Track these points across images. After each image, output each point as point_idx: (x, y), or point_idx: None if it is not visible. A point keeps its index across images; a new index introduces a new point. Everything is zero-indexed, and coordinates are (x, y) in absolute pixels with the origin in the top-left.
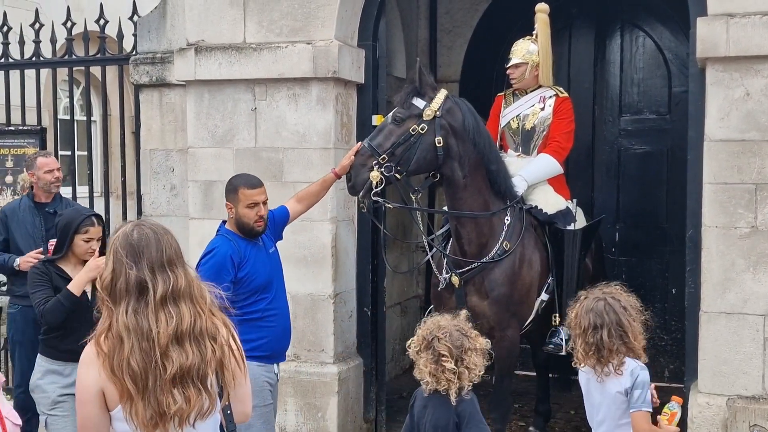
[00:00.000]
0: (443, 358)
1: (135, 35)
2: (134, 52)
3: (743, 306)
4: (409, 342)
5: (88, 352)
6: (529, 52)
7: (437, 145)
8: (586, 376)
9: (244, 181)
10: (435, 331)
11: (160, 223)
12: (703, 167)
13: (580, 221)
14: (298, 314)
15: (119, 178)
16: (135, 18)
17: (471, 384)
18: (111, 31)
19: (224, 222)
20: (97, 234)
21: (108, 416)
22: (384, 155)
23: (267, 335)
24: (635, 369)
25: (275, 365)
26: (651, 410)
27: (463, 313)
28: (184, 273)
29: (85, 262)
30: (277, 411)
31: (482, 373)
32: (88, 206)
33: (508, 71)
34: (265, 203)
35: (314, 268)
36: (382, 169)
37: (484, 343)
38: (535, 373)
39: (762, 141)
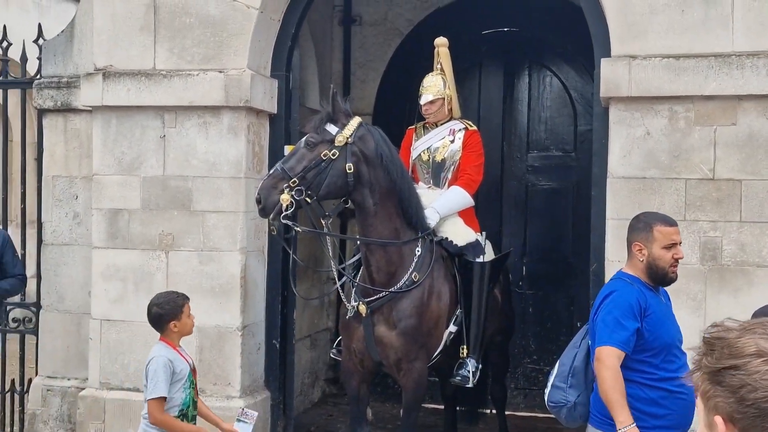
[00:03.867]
0: None
1: (40, 59)
2: (38, 76)
3: None
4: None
5: None
6: (442, 87)
7: (348, 171)
8: None
9: (659, 218)
10: None
11: None
12: (606, 203)
13: (489, 254)
14: (204, 347)
15: (19, 206)
16: (40, 41)
17: None
18: (14, 54)
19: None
20: None
21: None
22: (295, 179)
23: (674, 407)
24: None
25: None
26: None
27: None
28: None
29: None
30: None
31: None
32: None
33: (423, 107)
34: (680, 244)
35: (222, 299)
36: (293, 193)
37: None
38: (442, 406)
39: (661, 179)
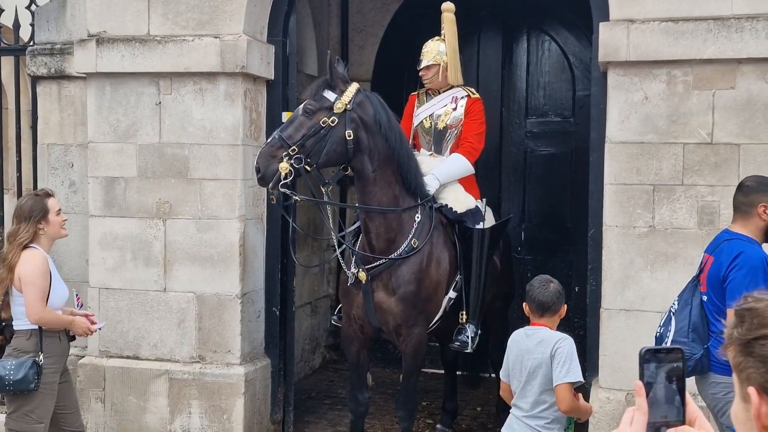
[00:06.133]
0: None
1: (32, 25)
2: (32, 43)
3: (641, 303)
4: None
5: None
6: (440, 53)
7: (347, 138)
8: None
9: None
10: None
11: None
12: (604, 168)
13: (489, 220)
14: (203, 315)
15: (15, 174)
16: (33, 7)
17: None
18: (7, 20)
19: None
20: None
21: None
22: (294, 147)
23: None
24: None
25: None
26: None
27: None
28: None
29: None
30: (180, 414)
31: None
32: None
33: (420, 73)
34: None
35: (221, 267)
36: (292, 161)
37: None
38: (442, 371)
39: (659, 143)
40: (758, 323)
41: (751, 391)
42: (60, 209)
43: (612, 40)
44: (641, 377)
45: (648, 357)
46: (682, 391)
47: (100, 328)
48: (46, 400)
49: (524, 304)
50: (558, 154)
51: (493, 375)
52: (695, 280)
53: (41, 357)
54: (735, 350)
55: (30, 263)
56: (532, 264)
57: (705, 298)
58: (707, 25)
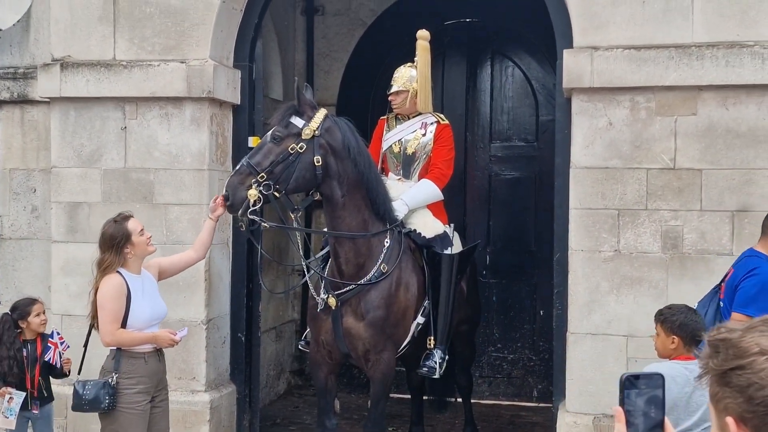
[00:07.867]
0: None
1: None
2: None
3: (607, 327)
4: None
5: None
6: (411, 78)
7: (316, 164)
8: None
9: None
10: None
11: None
12: (569, 193)
13: (457, 246)
14: None
15: None
16: None
17: None
18: None
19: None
20: None
21: None
22: (263, 173)
23: None
24: None
25: None
26: None
27: None
28: None
29: None
30: None
31: None
32: None
33: (389, 98)
34: None
35: (186, 293)
36: (261, 188)
37: None
38: (408, 396)
39: (624, 168)
40: (733, 354)
41: (729, 421)
42: (143, 228)
43: (576, 67)
44: (621, 403)
45: (628, 383)
46: (661, 417)
47: (183, 336)
48: (132, 421)
49: (673, 337)
50: (522, 178)
51: (459, 400)
52: (717, 288)
53: (114, 377)
54: (711, 380)
55: (102, 288)
56: (496, 288)
57: (722, 304)
58: (669, 52)
